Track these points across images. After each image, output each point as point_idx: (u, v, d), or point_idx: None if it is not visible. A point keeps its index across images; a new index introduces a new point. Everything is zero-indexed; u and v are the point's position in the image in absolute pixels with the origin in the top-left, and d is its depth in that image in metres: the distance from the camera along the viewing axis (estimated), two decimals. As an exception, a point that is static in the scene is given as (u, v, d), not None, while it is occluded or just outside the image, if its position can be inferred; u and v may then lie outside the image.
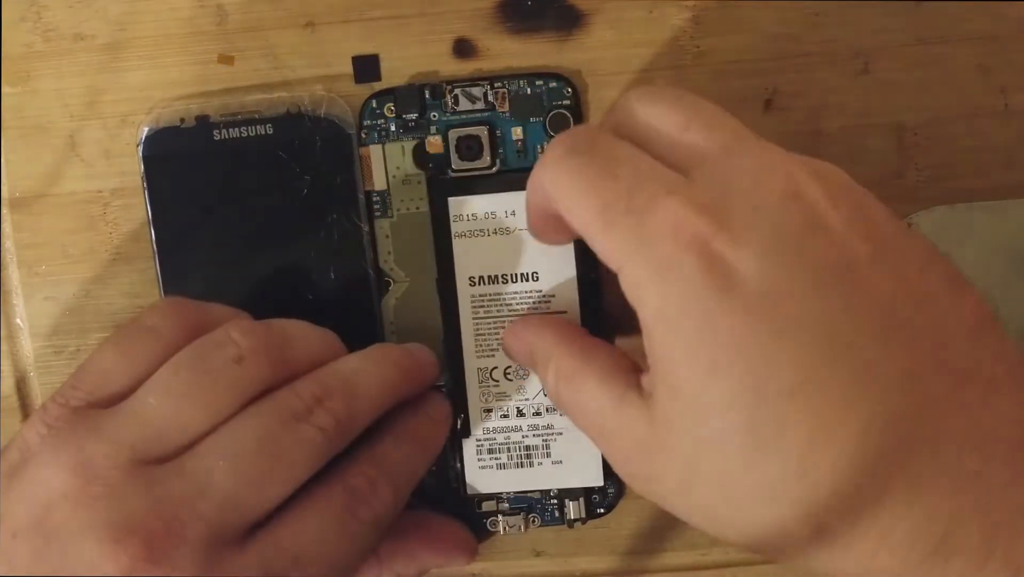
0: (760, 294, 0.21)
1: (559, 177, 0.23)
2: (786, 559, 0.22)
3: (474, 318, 0.30)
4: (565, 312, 0.29)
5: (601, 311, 0.29)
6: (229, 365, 0.24)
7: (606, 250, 0.22)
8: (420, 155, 0.30)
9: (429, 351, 0.29)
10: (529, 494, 0.30)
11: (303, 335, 0.27)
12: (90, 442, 0.23)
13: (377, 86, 0.31)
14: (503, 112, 0.30)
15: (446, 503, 0.30)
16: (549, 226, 0.26)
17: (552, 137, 0.30)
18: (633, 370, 0.24)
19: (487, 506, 0.31)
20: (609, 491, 0.30)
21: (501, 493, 0.30)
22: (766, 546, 0.22)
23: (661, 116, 0.23)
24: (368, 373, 0.26)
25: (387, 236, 0.31)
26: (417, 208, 0.30)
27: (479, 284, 0.30)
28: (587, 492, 0.30)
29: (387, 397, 0.27)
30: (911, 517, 0.20)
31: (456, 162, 0.30)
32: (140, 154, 0.30)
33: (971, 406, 0.21)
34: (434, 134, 0.30)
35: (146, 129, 0.30)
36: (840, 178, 0.23)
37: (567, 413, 0.25)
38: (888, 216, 0.23)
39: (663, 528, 0.31)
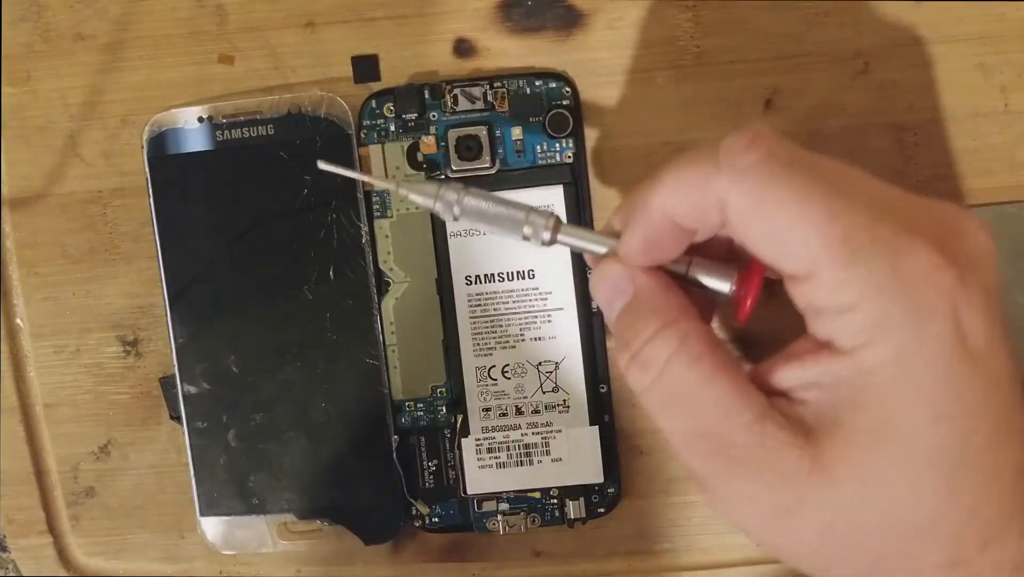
0: (983, 351, 0.21)
1: (772, 191, 0.21)
2: None
3: (471, 317, 0.30)
4: (562, 308, 0.29)
5: (599, 309, 0.29)
6: None
7: (841, 282, 0.21)
8: (413, 156, 0.30)
9: None
10: (529, 494, 0.30)
11: None
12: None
13: (377, 86, 0.31)
14: (502, 112, 0.30)
15: (446, 503, 0.30)
16: (664, 246, 0.23)
17: (555, 136, 0.30)
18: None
19: (487, 506, 0.30)
20: (609, 490, 0.30)
21: (501, 493, 0.30)
22: None
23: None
24: None
25: (387, 236, 0.31)
26: (416, 208, 0.30)
27: (475, 283, 0.30)
28: (587, 490, 0.30)
29: None
30: None
31: (456, 162, 0.30)
32: (145, 156, 0.30)
33: None
34: (430, 134, 0.30)
35: (150, 131, 0.30)
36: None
37: (665, 393, 0.22)
38: None
39: (663, 528, 0.31)
